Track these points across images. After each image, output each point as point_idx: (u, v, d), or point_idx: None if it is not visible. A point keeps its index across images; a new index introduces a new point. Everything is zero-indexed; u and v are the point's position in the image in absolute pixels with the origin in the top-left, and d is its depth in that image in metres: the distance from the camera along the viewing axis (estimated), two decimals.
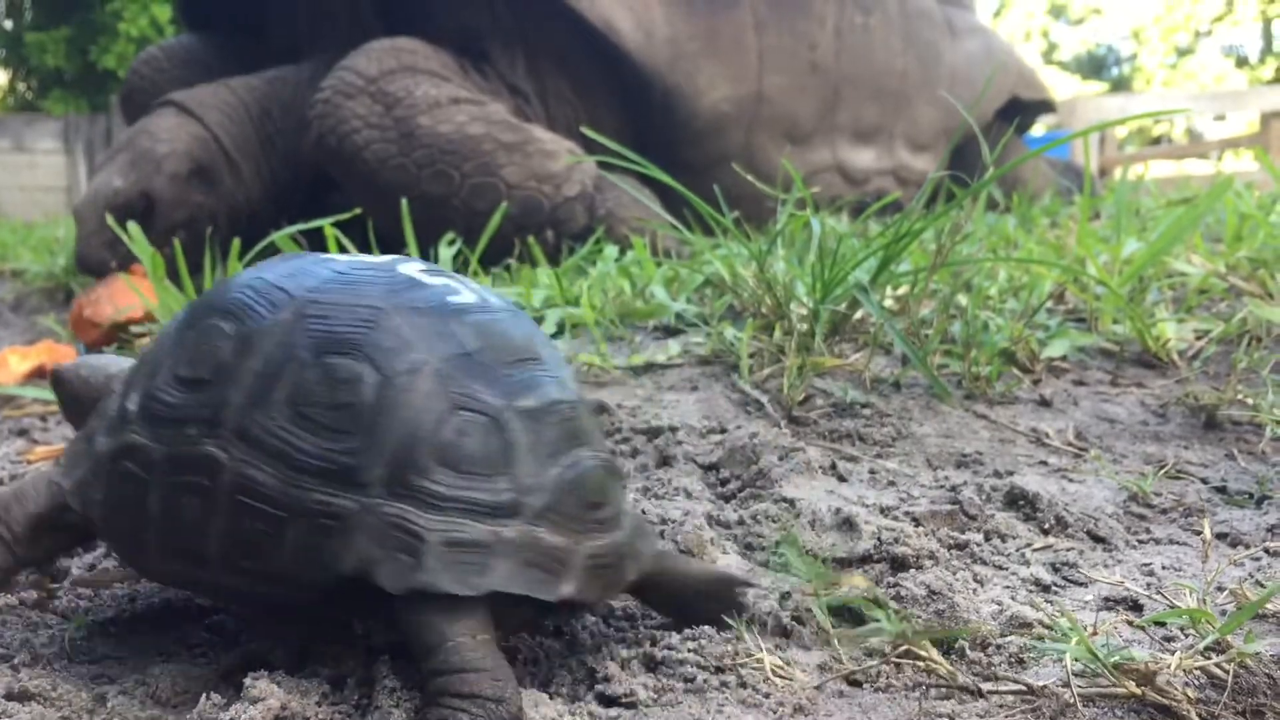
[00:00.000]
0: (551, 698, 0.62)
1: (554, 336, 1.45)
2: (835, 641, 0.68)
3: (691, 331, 1.43)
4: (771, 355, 1.26)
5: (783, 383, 1.20)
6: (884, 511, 0.90)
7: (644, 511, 0.91)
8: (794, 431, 1.11)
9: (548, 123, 2.72)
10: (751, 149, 2.87)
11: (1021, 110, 3.52)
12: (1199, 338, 1.31)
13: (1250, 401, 1.12)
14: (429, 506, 0.58)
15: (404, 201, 2.13)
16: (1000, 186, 3.31)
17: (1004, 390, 1.19)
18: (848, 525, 0.84)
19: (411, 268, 0.67)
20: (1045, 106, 3.68)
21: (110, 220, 2.11)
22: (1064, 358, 1.27)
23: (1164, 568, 0.82)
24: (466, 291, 0.66)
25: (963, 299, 1.33)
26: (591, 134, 1.80)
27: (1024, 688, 0.62)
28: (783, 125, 2.92)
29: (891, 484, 0.97)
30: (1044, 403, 1.18)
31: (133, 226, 1.83)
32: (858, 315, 1.32)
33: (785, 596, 0.75)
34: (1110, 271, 1.45)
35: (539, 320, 1.52)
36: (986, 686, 0.62)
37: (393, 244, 2.11)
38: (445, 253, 2.01)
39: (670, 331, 1.46)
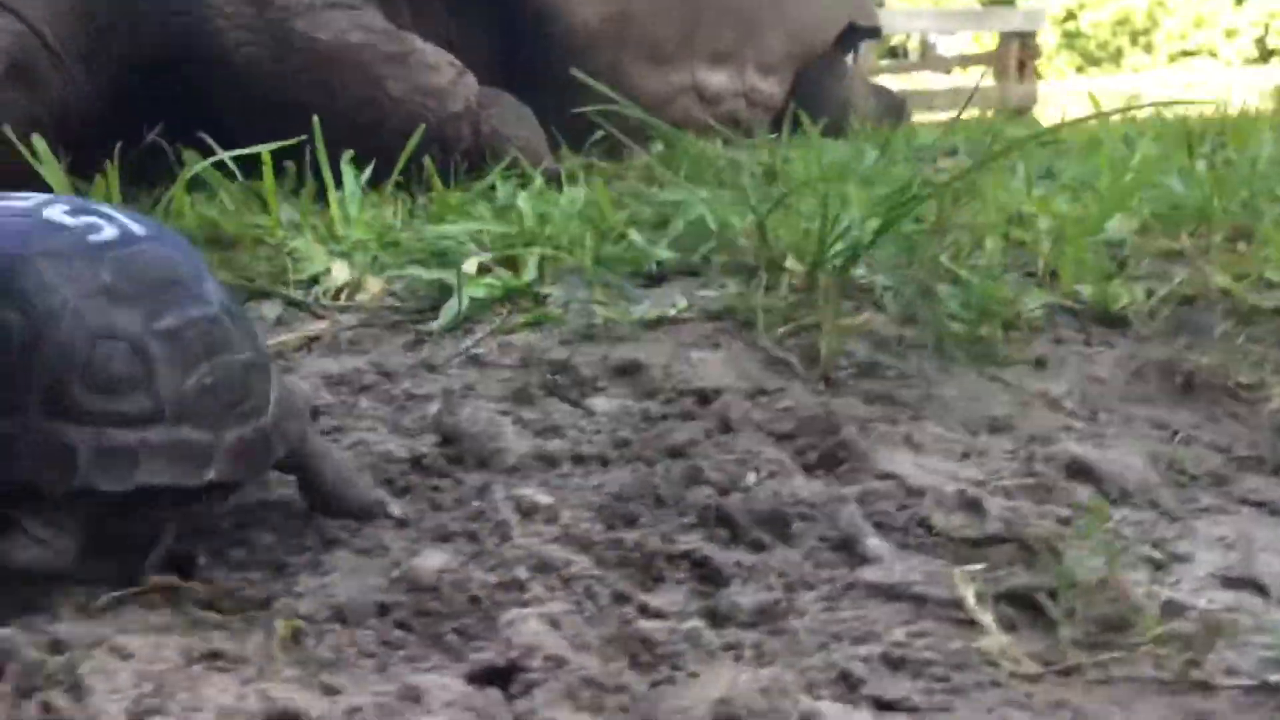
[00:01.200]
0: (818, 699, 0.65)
1: (533, 281, 1.44)
2: (1061, 629, 0.74)
3: (678, 282, 1.44)
4: (780, 314, 1.30)
5: (803, 342, 1.24)
6: (980, 485, 0.96)
7: (749, 490, 0.93)
8: (834, 394, 1.16)
9: (419, 37, 2.61)
10: (618, 69, 2.85)
11: (854, 36, 3.64)
12: (1148, 297, 1.43)
13: (1225, 367, 1.25)
14: (79, 423, 0.72)
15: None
16: (831, 111, 3.43)
17: (1007, 353, 1.27)
18: (973, 505, 0.90)
19: (56, 209, 0.77)
20: (874, 33, 3.82)
21: None
22: (1039, 318, 1.37)
23: (1244, 540, 0.91)
24: (109, 227, 0.77)
25: (944, 259, 1.40)
26: None
27: (1257, 683, 0.69)
28: (647, 46, 2.91)
29: (965, 455, 1.04)
30: (1039, 363, 1.27)
31: None
32: (856, 273, 1.37)
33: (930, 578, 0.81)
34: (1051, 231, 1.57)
35: (513, 262, 1.50)
36: (1225, 682, 0.69)
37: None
38: (349, 175, 1.92)
39: (651, 280, 1.47)
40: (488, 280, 1.43)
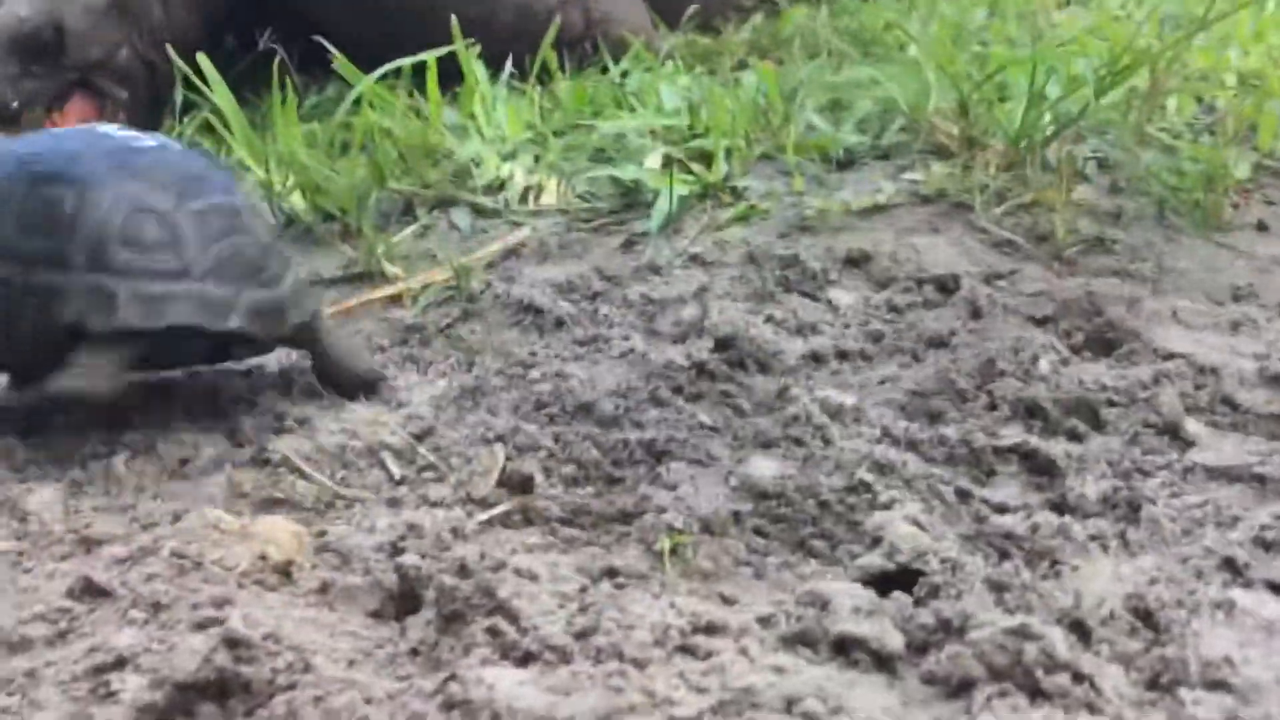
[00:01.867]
0: None
1: (727, 175, 1.43)
2: None
3: (871, 167, 1.43)
4: (993, 193, 1.29)
5: (1024, 221, 1.24)
6: (1266, 358, 0.97)
7: (1046, 378, 0.95)
8: (1070, 272, 1.16)
9: None
10: None
11: None
12: None
13: None
14: (118, 275, 0.88)
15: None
16: None
17: (1229, 217, 1.27)
18: (1275, 381, 0.91)
19: (110, 127, 1.00)
20: None
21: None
22: (1247, 180, 1.35)
23: None
24: (149, 140, 0.97)
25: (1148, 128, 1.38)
26: None
27: None
28: None
29: (1235, 327, 1.04)
30: (1261, 227, 1.27)
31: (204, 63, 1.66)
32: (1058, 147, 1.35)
33: None
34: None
35: (697, 156, 1.49)
36: None
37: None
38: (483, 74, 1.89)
39: (841, 165, 1.46)
40: (682, 177, 1.43)
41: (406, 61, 1.73)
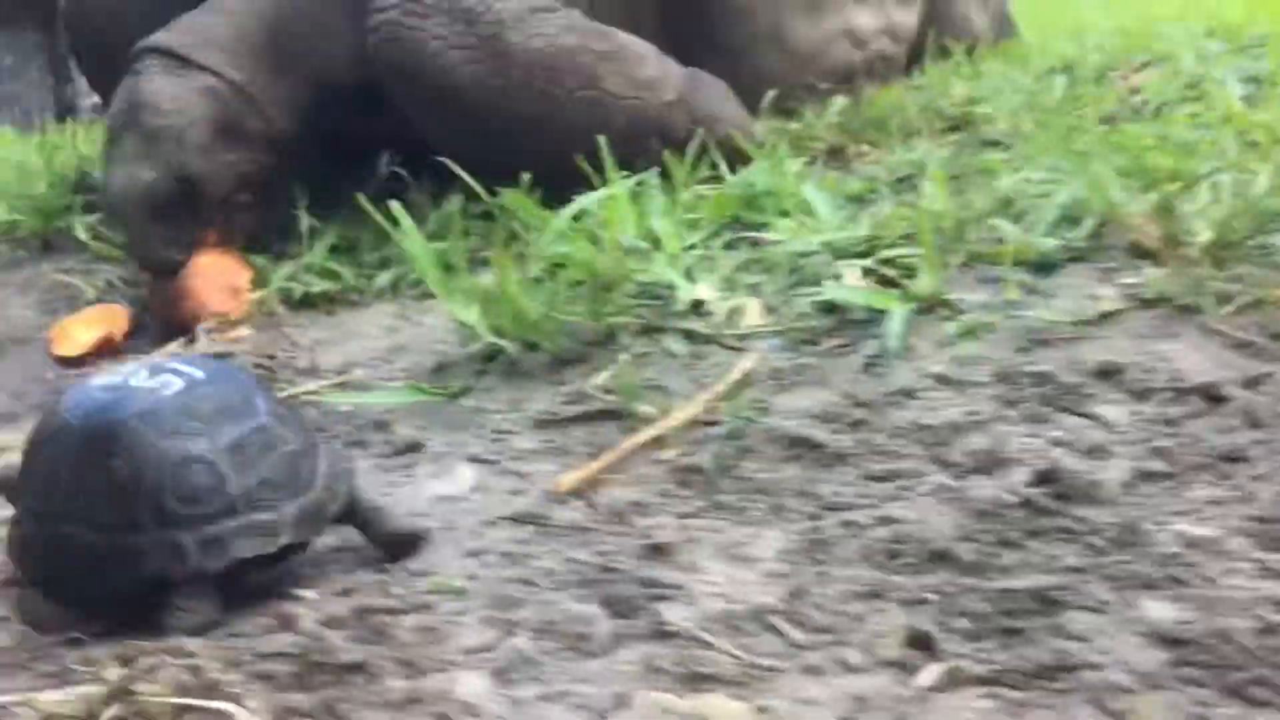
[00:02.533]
0: None
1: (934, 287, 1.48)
2: None
3: (1070, 270, 1.50)
4: (1214, 293, 1.36)
5: (1254, 320, 1.31)
6: None
7: None
8: None
9: (593, 19, 2.62)
10: (779, 26, 2.86)
11: None
12: None
13: None
14: (181, 526, 1.03)
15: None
16: (956, 33, 3.45)
17: None
18: None
19: (141, 376, 1.10)
20: None
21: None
22: None
23: None
24: (177, 380, 1.08)
25: None
26: None
27: None
28: None
29: None
30: None
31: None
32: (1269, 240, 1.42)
33: None
34: None
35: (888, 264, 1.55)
36: None
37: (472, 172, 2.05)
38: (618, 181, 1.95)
39: (1038, 269, 1.53)
40: (890, 293, 1.49)
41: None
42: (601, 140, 2.14)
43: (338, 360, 1.99)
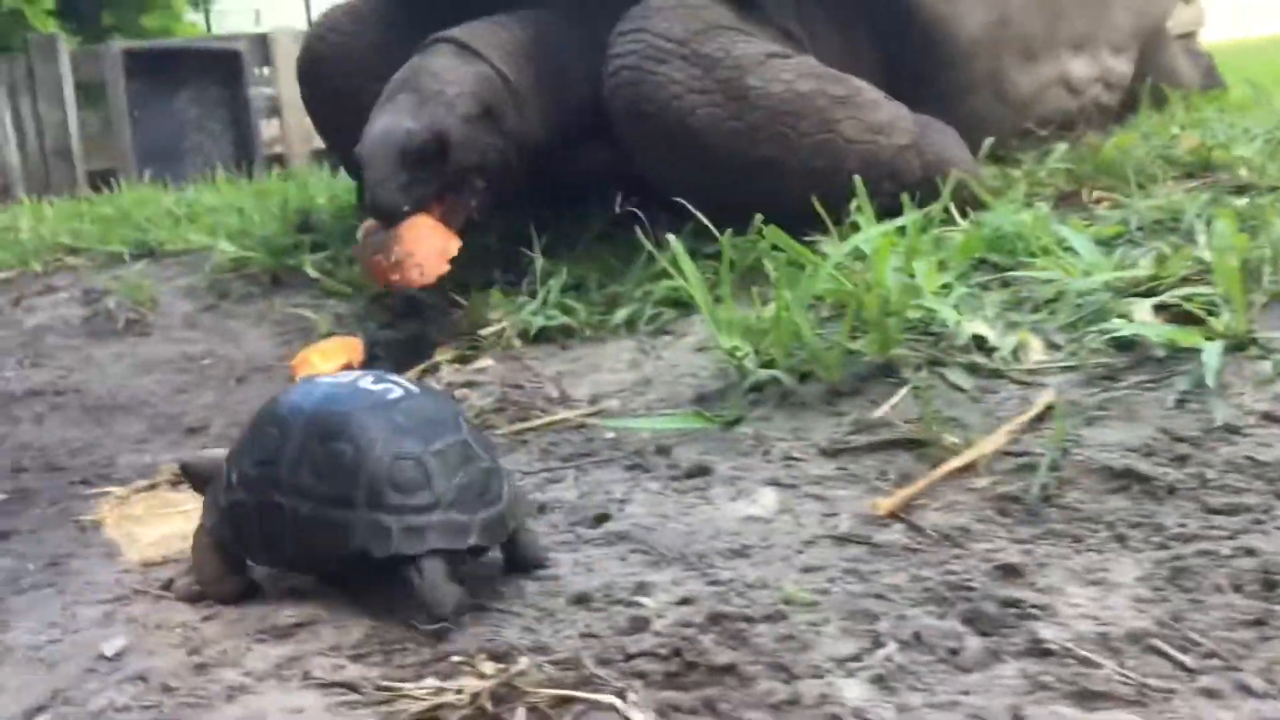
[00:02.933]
0: None
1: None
2: None
3: None
4: None
5: None
6: None
7: None
8: None
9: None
10: (997, 73, 2.86)
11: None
12: None
13: None
14: (390, 511, 1.13)
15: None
16: (1160, 82, 3.40)
17: None
18: None
19: (366, 381, 1.23)
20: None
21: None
22: None
23: None
24: (397, 389, 1.21)
25: None
26: None
27: None
28: (1020, 44, 2.91)
29: None
30: None
31: None
32: None
33: None
34: None
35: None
36: None
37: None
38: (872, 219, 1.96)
39: None
40: (1188, 330, 1.46)
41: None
42: (836, 181, 2.19)
43: (586, 391, 2.03)
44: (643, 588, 1.16)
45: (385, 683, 1.02)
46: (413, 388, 1.23)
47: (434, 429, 1.18)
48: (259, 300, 2.97)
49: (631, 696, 0.95)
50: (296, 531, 1.17)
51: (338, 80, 2.96)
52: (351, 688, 1.02)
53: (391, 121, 2.38)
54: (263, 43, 8.83)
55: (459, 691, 0.98)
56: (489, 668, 1.01)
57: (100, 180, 7.95)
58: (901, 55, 2.73)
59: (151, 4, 10.96)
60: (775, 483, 1.40)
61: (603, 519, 1.39)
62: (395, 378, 1.25)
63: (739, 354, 1.70)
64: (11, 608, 1.37)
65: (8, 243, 3.59)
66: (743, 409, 1.63)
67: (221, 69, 8.63)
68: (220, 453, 1.32)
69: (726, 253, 1.81)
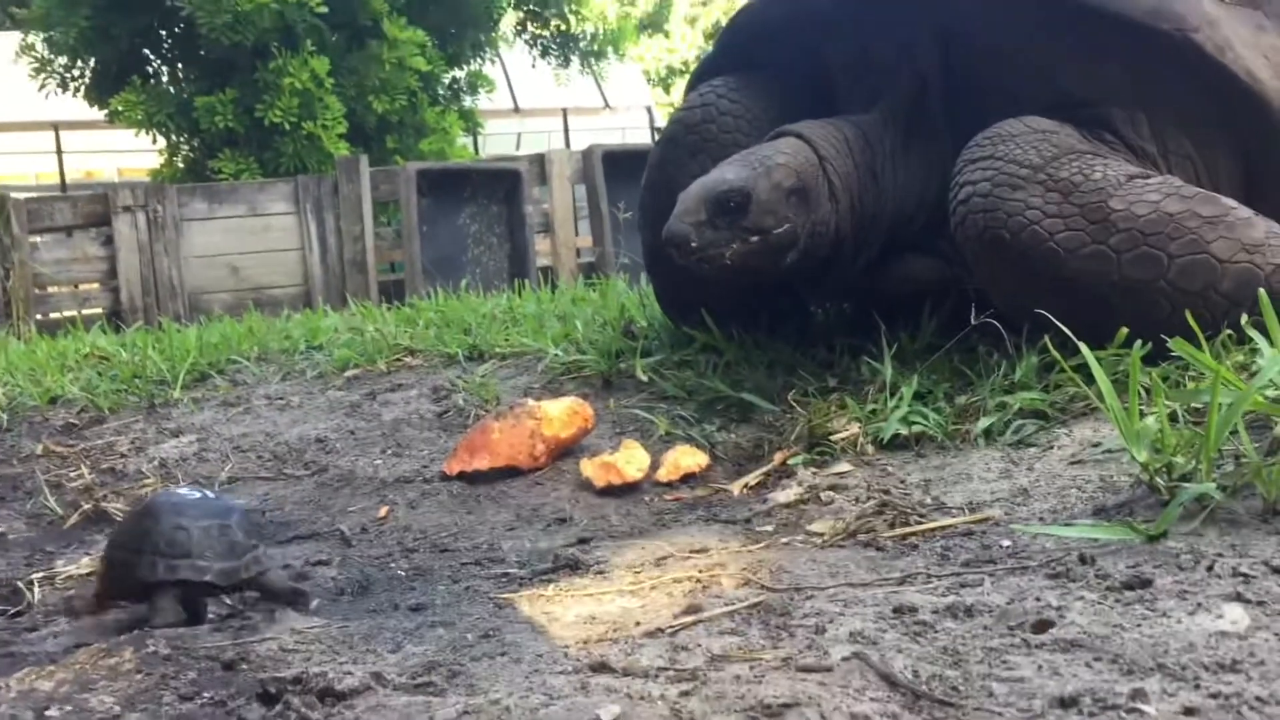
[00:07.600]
0: None
1: None
2: None
3: None
4: None
5: None
6: None
7: None
8: None
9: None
10: None
11: None
12: None
13: None
14: (169, 558, 1.75)
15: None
16: None
17: None
18: None
19: (184, 490, 1.96)
20: None
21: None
22: None
23: None
24: (197, 494, 1.87)
25: None
26: None
27: None
28: None
29: None
30: None
31: None
32: None
33: None
34: None
35: None
36: None
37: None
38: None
39: None
40: None
41: None
42: (1209, 301, 2.14)
43: (960, 499, 2.04)
44: (1137, 694, 1.15)
45: None
46: (209, 492, 1.91)
47: (208, 513, 1.77)
48: (594, 401, 3.11)
49: None
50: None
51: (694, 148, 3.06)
52: None
53: (716, 174, 2.59)
54: (540, 163, 9.37)
55: None
56: None
57: (391, 289, 8.56)
58: (1263, 169, 2.67)
59: (430, 129, 11.79)
60: (1239, 598, 1.36)
61: (1045, 625, 1.39)
62: (205, 490, 1.96)
63: (1153, 466, 1.68)
64: (474, 672, 1.46)
65: (355, 344, 3.88)
66: (1168, 522, 1.60)
67: (503, 187, 9.18)
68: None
69: (1136, 367, 1.79)
